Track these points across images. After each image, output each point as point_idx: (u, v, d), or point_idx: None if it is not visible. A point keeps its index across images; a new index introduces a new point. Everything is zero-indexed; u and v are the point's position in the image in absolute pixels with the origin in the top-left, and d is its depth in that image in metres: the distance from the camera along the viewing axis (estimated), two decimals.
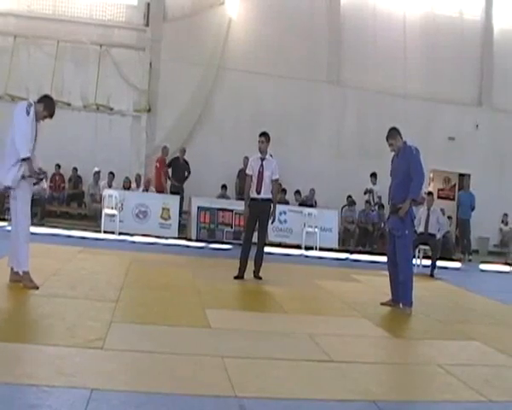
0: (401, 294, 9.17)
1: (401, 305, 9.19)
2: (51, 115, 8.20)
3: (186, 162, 19.09)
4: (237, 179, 19.55)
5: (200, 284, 9.80)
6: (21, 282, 7.81)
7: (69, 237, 15.32)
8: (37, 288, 7.83)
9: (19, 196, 7.84)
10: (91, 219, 18.60)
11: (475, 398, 5.32)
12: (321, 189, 20.51)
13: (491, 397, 5.35)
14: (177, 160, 19.16)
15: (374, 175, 20.40)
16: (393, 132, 9.40)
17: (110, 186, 18.41)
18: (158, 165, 18.97)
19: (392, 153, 9.66)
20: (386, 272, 9.79)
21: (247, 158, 17.89)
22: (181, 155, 19.11)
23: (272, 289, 10.07)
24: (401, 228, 9.17)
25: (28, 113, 7.76)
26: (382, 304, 9.49)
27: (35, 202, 17.59)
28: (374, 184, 20.53)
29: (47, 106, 8.09)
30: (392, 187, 9.56)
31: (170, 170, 19.14)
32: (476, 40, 22.85)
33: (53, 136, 18.76)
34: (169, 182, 19.24)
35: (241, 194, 18.16)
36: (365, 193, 20.51)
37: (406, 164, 9.19)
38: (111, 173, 18.78)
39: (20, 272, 7.83)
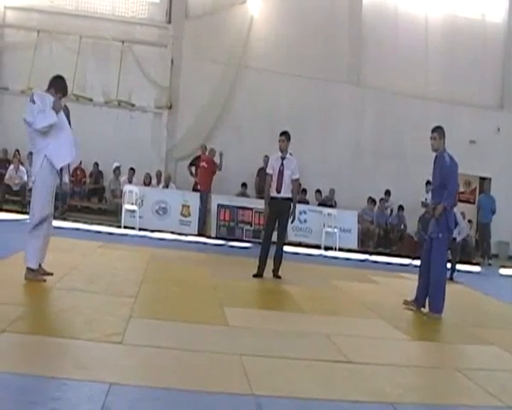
0: (430, 299, 9.07)
1: (429, 310, 9.08)
2: (65, 94, 8.10)
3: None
4: (257, 178, 19.55)
5: (218, 281, 9.82)
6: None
7: (89, 231, 15.41)
8: (44, 281, 7.84)
9: (37, 188, 7.85)
10: (112, 215, 18.69)
11: (493, 403, 5.28)
12: (339, 189, 20.49)
13: (508, 403, 5.30)
14: (199, 158, 19.18)
15: (388, 193, 20.39)
16: (440, 130, 9.28)
17: (130, 182, 18.49)
18: (206, 165, 18.51)
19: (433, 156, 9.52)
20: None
21: (267, 157, 17.88)
22: (202, 153, 19.13)
23: (291, 288, 10.07)
24: (436, 230, 9.13)
25: (33, 101, 7.63)
26: (405, 303, 9.42)
27: (56, 196, 17.89)
28: (387, 201, 20.46)
29: (58, 87, 7.99)
30: (431, 190, 9.56)
31: (193, 168, 19.20)
32: (498, 43, 22.67)
33: (74, 131, 18.87)
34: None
35: (260, 192, 18.12)
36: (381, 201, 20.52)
37: (439, 172, 9.14)
38: (131, 169, 18.85)
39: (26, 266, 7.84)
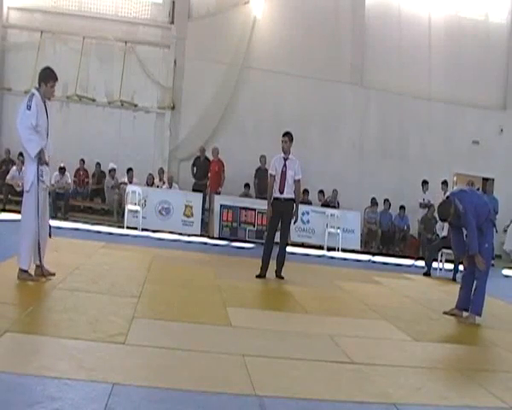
0: (474, 301, 8.94)
1: (470, 311, 8.98)
2: (56, 80, 8.03)
3: (207, 160, 19.15)
4: (255, 179, 19.55)
5: (221, 281, 9.81)
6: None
7: (92, 231, 15.41)
8: (37, 280, 7.87)
9: (30, 193, 7.96)
10: (112, 215, 18.73)
11: (496, 404, 5.26)
12: (343, 190, 20.48)
13: None
14: (198, 159, 19.29)
15: (387, 201, 20.38)
16: (445, 214, 9.10)
17: (130, 182, 18.49)
18: (216, 168, 18.96)
19: None
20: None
21: (263, 157, 18.02)
22: (201, 154, 19.23)
23: (294, 289, 10.06)
24: (481, 242, 8.92)
25: (29, 107, 7.73)
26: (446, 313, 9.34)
27: (59, 196, 17.93)
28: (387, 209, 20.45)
29: (47, 78, 7.96)
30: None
31: (195, 169, 19.28)
32: (502, 43, 22.69)
33: (77, 131, 18.99)
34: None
35: (260, 193, 18.15)
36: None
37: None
38: (130, 170, 18.89)
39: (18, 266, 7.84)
